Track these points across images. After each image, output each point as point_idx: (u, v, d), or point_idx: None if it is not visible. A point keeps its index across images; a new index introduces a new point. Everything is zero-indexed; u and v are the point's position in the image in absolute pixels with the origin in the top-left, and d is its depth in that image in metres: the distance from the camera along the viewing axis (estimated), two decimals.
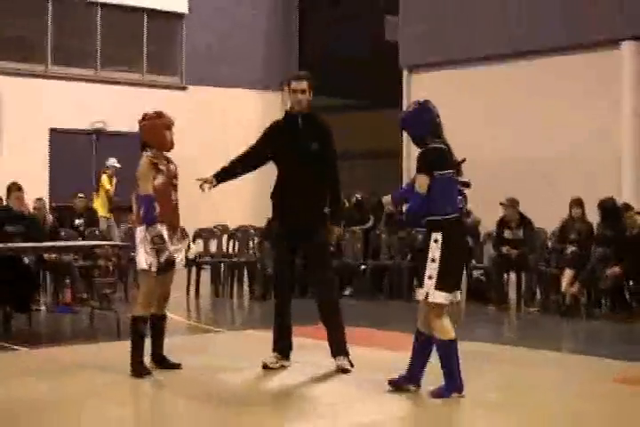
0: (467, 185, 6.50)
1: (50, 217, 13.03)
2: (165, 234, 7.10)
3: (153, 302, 7.23)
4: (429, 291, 6.20)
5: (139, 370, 7.06)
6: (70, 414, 6.03)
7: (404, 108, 17.93)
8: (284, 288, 7.42)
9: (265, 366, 7.29)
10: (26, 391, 6.64)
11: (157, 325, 7.35)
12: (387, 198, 6.74)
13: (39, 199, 13.02)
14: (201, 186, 7.29)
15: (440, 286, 6.18)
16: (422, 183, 6.19)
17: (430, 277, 6.19)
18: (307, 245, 7.31)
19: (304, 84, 7.26)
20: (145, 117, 7.35)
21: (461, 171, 6.48)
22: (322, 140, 7.30)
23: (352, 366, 7.21)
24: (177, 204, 7.32)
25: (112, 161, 16.60)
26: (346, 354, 7.25)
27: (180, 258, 7.28)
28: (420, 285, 6.29)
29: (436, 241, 6.18)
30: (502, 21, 16.30)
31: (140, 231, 7.12)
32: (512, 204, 12.26)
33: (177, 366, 7.32)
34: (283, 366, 7.32)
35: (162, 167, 7.21)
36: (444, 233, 6.18)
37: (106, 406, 6.25)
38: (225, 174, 7.42)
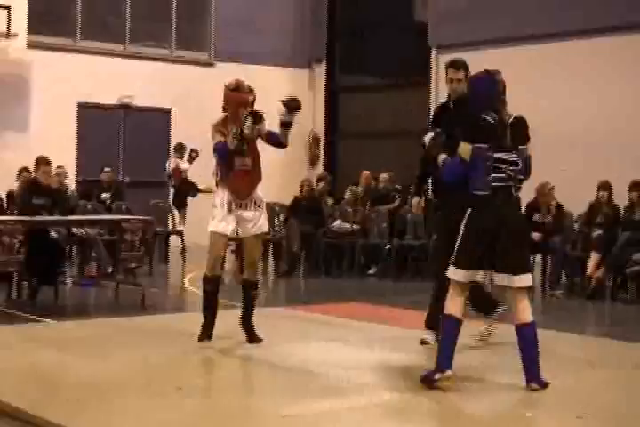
0: (515, 164, 6.00)
1: (71, 188, 13.05)
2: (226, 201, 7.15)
3: (218, 263, 7.30)
4: (451, 267, 6.07)
5: (201, 334, 7.20)
6: (92, 386, 6.04)
7: (432, 88, 17.99)
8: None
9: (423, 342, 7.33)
10: (49, 362, 6.70)
11: (247, 291, 7.45)
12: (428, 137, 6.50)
13: (60, 167, 13.04)
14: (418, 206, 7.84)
15: (456, 263, 6.03)
16: (465, 150, 5.95)
17: (454, 253, 6.06)
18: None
19: (459, 75, 7.13)
20: (227, 85, 7.23)
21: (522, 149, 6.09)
22: None
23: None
24: (245, 170, 7.31)
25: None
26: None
27: (256, 228, 7.33)
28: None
29: (464, 218, 6.02)
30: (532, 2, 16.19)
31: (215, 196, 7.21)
32: (548, 190, 12.17)
33: (258, 341, 7.35)
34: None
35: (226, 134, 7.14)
36: (471, 211, 5.99)
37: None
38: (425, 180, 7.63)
